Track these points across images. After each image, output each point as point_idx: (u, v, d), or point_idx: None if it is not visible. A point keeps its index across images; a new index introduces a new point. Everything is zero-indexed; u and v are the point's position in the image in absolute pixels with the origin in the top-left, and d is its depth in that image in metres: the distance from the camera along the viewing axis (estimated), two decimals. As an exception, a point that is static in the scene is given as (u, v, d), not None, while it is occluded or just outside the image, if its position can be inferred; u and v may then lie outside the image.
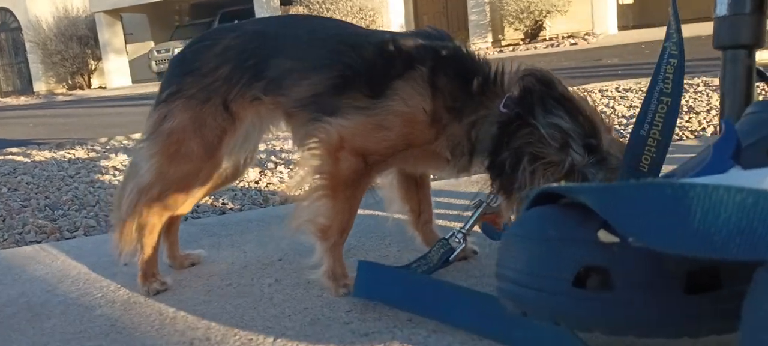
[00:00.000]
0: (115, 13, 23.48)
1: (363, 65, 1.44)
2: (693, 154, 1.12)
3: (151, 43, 24.38)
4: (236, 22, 1.63)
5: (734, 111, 1.11)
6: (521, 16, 17.25)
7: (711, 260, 0.80)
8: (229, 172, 1.69)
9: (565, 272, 0.81)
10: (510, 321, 1.08)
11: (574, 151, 1.27)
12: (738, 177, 0.79)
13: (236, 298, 1.50)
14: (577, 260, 0.81)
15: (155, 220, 1.59)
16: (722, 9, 1.12)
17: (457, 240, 1.52)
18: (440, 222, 1.91)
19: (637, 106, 4.34)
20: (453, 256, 1.50)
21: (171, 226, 1.74)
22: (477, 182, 2.41)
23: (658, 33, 14.51)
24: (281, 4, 20.46)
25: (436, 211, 2.05)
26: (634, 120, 4.08)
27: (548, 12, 17.21)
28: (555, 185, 0.89)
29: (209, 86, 1.50)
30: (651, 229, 0.70)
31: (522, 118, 1.33)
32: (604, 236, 0.82)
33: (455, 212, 2.01)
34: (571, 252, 0.81)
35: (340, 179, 1.42)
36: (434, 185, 2.51)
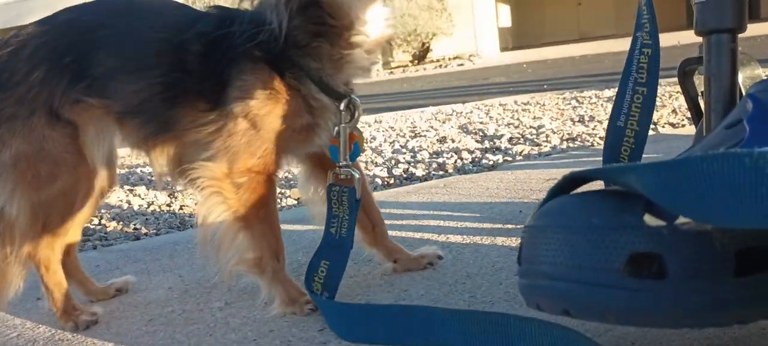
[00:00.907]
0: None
1: (191, 71, 1.31)
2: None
3: None
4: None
5: (722, 95, 1.11)
6: (409, 39, 17.59)
7: (756, 240, 0.77)
8: (105, 180, 1.46)
9: (614, 261, 0.74)
10: (510, 335, 1.00)
11: None
12: (792, 148, 0.76)
13: (185, 325, 1.33)
14: (627, 247, 0.74)
15: (48, 253, 1.38)
16: (704, -6, 1.11)
17: (347, 175, 1.39)
18: (390, 233, 1.82)
19: (541, 117, 4.48)
20: (357, 191, 1.39)
21: (68, 261, 1.53)
22: (417, 192, 2.35)
23: (536, 53, 15.30)
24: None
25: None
26: (542, 129, 4.15)
27: (434, 34, 17.68)
28: (592, 169, 0.83)
29: (26, 97, 1.30)
30: (723, 205, 0.65)
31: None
32: (650, 219, 0.76)
33: (402, 222, 1.92)
34: (619, 239, 0.75)
35: (246, 204, 1.30)
36: (375, 195, 2.42)
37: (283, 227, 1.41)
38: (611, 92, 5.35)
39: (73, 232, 1.48)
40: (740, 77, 1.32)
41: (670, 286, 0.74)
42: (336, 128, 1.37)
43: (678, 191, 0.69)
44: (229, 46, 1.30)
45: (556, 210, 0.82)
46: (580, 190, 0.91)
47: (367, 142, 4.37)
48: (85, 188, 1.36)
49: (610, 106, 4.65)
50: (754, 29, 9.94)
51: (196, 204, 1.31)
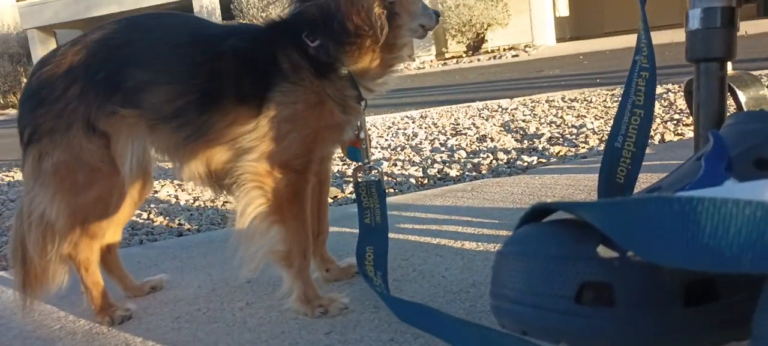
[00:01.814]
0: (49, 29, 22.69)
1: (228, 77, 1.40)
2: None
3: (88, 60, 23.61)
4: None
5: (710, 122, 1.14)
6: (463, 30, 17.50)
7: (708, 272, 0.81)
8: (141, 184, 1.60)
9: (567, 289, 0.80)
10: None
11: None
12: (736, 189, 0.80)
13: (207, 324, 1.44)
14: (579, 276, 0.80)
15: (87, 254, 1.52)
16: (694, 23, 1.15)
17: (371, 174, 1.61)
18: (409, 237, 1.90)
19: (585, 116, 4.45)
20: (383, 182, 1.62)
21: (109, 259, 1.67)
22: (443, 195, 2.41)
23: (594, 44, 14.98)
24: (222, 18, 20.18)
25: (403, 226, 2.04)
26: (582, 129, 4.13)
27: (489, 25, 17.51)
28: (551, 201, 0.89)
29: (64, 112, 1.41)
30: (658, 245, 0.70)
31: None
32: (603, 250, 0.82)
33: (422, 226, 2.00)
34: (572, 269, 0.81)
35: (283, 200, 1.40)
36: (403, 198, 2.50)
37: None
38: (662, 89, 5.26)
39: (113, 232, 1.62)
40: (743, 98, 1.34)
41: (618, 314, 0.80)
42: (360, 132, 1.55)
43: (623, 228, 0.75)
44: (270, 55, 1.40)
45: (520, 238, 0.89)
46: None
47: (408, 139, 4.45)
48: (119, 194, 1.48)
49: (658, 105, 4.59)
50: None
51: (235, 199, 1.41)
